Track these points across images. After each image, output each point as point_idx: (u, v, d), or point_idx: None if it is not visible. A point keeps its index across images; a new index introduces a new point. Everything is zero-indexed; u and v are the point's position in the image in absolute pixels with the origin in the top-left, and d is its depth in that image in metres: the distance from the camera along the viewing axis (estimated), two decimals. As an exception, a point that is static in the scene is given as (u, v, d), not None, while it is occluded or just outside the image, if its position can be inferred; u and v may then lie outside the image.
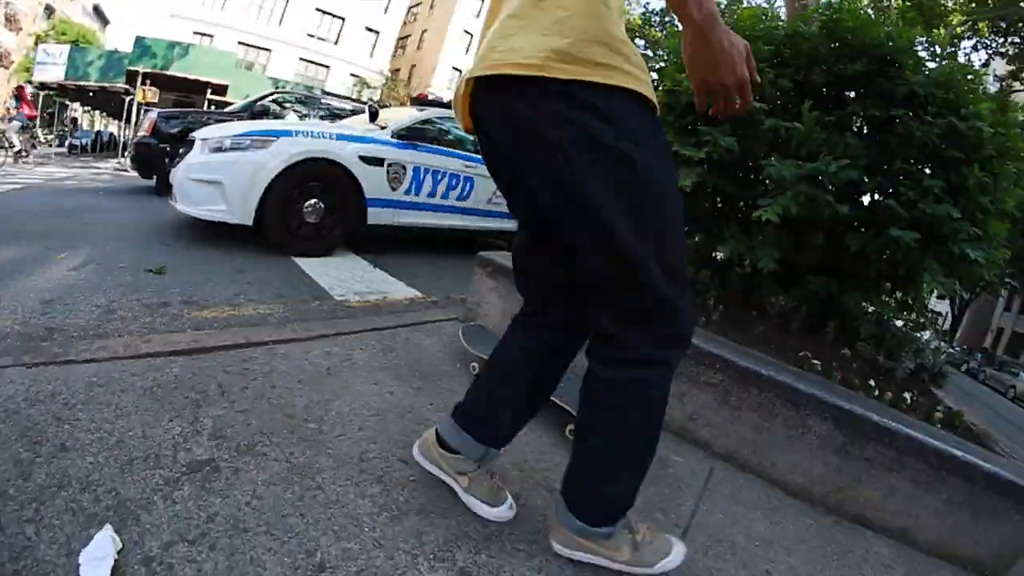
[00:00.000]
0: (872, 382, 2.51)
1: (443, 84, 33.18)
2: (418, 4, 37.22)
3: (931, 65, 2.84)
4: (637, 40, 19.69)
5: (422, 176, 4.71)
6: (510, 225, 5.99)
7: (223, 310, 2.47)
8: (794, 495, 2.01)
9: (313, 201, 3.87)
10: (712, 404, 2.07)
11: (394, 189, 4.44)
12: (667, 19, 19.13)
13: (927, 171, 2.74)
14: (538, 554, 1.28)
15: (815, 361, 2.48)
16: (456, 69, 34.71)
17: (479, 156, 5.45)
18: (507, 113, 1.03)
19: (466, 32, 34.97)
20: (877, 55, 2.71)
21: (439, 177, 4.91)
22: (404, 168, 4.50)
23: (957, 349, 30.61)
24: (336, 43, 30.80)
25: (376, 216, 4.33)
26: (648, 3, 22.15)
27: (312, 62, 30.00)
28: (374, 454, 1.48)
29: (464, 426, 1.31)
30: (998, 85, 17.48)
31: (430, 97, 6.48)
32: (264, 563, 1.03)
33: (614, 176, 0.98)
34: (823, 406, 1.97)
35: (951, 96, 2.66)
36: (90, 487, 1.10)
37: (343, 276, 3.55)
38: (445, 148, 5.04)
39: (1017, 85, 17.17)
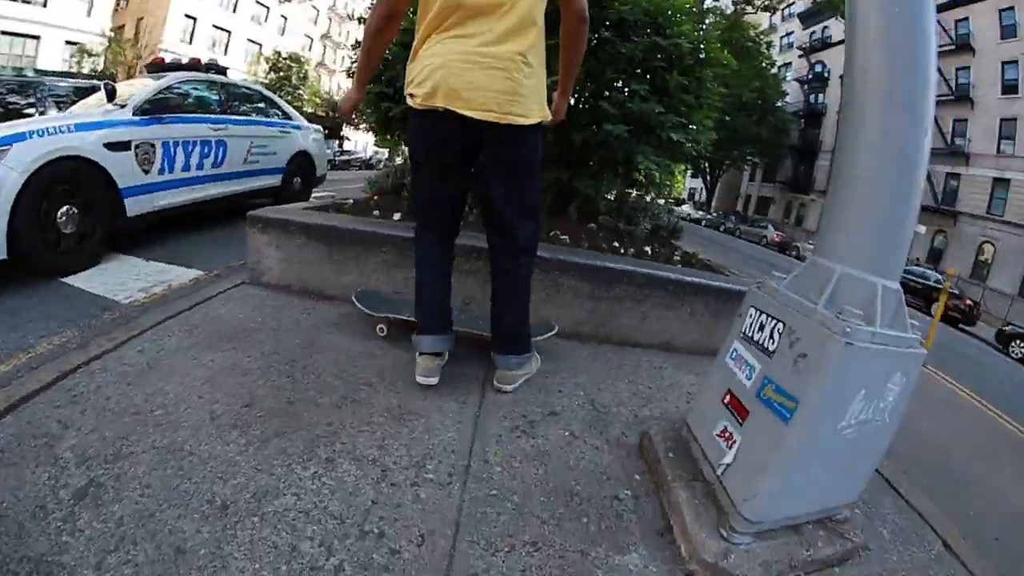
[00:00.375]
0: (616, 244, 3.23)
1: (176, 37, 28.38)
2: (139, -60, 30.04)
3: None
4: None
5: (173, 151, 4.38)
6: (268, 180, 5.86)
7: (19, 357, 2.27)
8: (568, 338, 2.62)
9: (66, 208, 3.39)
10: (478, 287, 2.55)
11: (147, 172, 4.08)
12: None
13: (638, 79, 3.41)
14: (377, 428, 1.68)
15: (563, 236, 3.11)
16: (190, 17, 29.52)
17: (228, 116, 5.26)
18: (512, 136, 1.74)
19: (200, -30, 29.64)
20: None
21: (191, 148, 4.61)
22: (153, 147, 4.15)
23: (714, 214, 36.84)
24: (45, 4, 23.79)
25: (135, 206, 3.98)
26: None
27: (16, 34, 22.92)
28: (221, 410, 1.69)
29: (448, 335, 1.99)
30: (733, 8, 20.90)
31: (166, 61, 5.83)
32: (181, 529, 1.23)
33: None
34: (567, 265, 2.58)
35: (659, 21, 3.35)
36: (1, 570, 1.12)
37: (122, 279, 3.36)
38: (191, 115, 4.72)
39: (749, 9, 20.60)
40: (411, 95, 1.76)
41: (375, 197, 3.69)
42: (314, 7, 35.70)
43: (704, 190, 41.65)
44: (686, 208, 36.18)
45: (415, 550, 1.27)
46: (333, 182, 10.77)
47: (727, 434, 1.50)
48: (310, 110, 33.53)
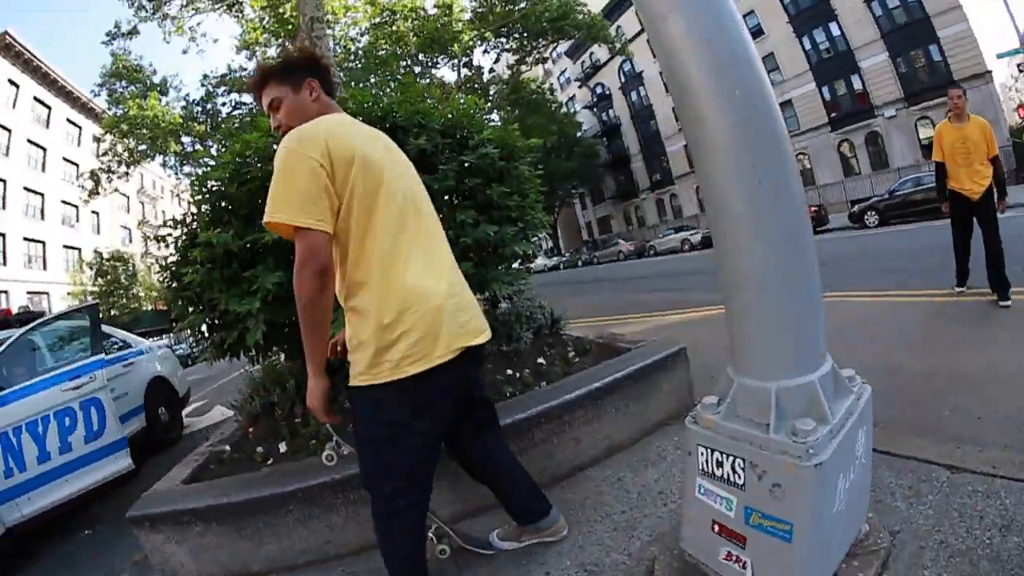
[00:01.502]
0: (508, 371, 3.02)
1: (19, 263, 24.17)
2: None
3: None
4: (184, 137, 17.98)
5: (16, 440, 3.26)
6: (131, 427, 4.66)
7: None
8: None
9: None
10: (340, 523, 2.22)
11: (-9, 479, 3.05)
12: (208, 108, 18.03)
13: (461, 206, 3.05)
14: None
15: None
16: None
17: (101, 359, 4.02)
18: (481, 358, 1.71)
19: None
20: (385, 127, 2.86)
21: (43, 427, 3.43)
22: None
23: (567, 255, 38.80)
24: None
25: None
26: (188, 95, 19.45)
27: None
28: None
29: None
30: (510, 72, 22.82)
31: (15, 312, 4.80)
32: None
33: None
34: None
35: (463, 134, 3.11)
36: None
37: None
38: (41, 379, 3.59)
39: (524, 68, 22.72)
40: (408, 356, 1.34)
41: (251, 429, 3.04)
42: (122, 194, 33.00)
43: (548, 238, 43.80)
44: (540, 261, 37.41)
45: None
46: (208, 379, 9.82)
47: (734, 557, 1.41)
48: (149, 307, 30.92)
